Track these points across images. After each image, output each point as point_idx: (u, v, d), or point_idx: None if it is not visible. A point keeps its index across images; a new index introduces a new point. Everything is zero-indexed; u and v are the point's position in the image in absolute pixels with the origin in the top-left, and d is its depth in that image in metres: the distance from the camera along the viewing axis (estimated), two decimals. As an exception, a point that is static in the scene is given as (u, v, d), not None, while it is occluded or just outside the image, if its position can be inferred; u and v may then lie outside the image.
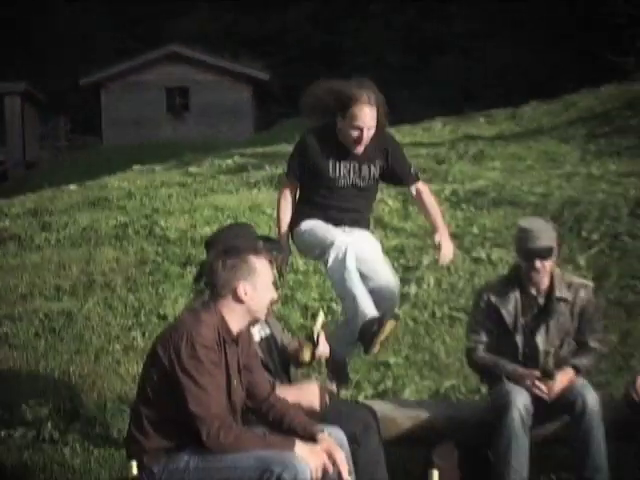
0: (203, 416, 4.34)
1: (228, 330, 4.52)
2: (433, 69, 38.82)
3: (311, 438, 4.63)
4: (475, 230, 10.55)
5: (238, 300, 4.52)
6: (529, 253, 5.77)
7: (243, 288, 4.51)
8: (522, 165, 14.03)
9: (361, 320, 5.73)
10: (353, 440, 5.03)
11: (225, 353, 4.50)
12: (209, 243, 5.54)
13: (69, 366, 8.54)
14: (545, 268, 5.78)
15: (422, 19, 40.30)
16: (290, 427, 4.72)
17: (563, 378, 5.65)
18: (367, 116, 6.02)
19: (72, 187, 15.85)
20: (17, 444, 6.98)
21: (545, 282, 5.86)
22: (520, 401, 5.58)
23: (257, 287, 4.54)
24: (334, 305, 9.20)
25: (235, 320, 4.55)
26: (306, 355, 5.29)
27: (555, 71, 30.65)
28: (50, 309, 9.66)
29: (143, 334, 8.76)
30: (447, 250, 6.18)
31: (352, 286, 5.80)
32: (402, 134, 18.36)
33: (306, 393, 5.13)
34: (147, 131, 33.95)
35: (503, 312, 5.89)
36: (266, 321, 5.32)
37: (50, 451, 6.86)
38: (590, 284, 6.06)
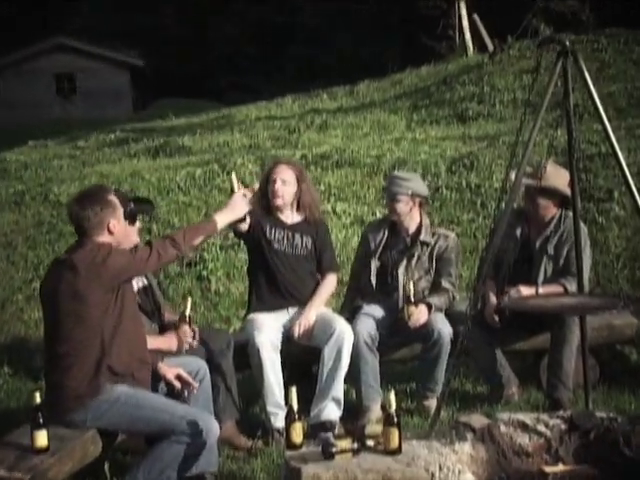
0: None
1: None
2: (284, 56, 38.64)
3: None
4: (322, 187, 10.53)
5: (110, 233, 4.49)
6: (386, 194, 5.99)
7: (113, 223, 4.49)
8: (359, 133, 14.08)
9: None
10: (211, 358, 5.24)
11: None
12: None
13: (-21, 315, 8.34)
14: (397, 209, 5.82)
15: (274, 14, 39.94)
16: None
17: (420, 316, 5.62)
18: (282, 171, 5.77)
19: (-26, 161, 15.39)
20: None
21: (412, 227, 5.90)
22: (364, 329, 5.60)
23: (120, 219, 4.55)
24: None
25: None
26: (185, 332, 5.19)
27: (384, 54, 30.88)
28: (-40, 266, 9.37)
29: (42, 285, 8.53)
30: (304, 323, 5.61)
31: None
32: (259, 110, 18.30)
33: (167, 341, 5.10)
34: (40, 112, 33.04)
35: (370, 241, 5.95)
36: (145, 275, 5.26)
37: (-35, 387, 6.72)
38: (452, 235, 6.04)
